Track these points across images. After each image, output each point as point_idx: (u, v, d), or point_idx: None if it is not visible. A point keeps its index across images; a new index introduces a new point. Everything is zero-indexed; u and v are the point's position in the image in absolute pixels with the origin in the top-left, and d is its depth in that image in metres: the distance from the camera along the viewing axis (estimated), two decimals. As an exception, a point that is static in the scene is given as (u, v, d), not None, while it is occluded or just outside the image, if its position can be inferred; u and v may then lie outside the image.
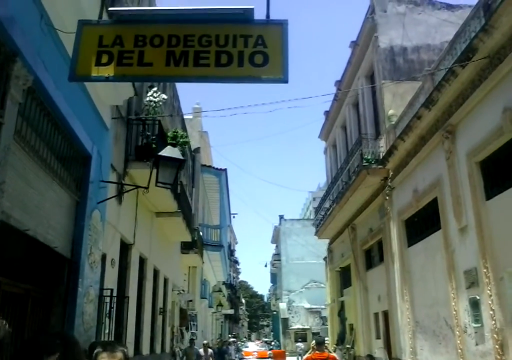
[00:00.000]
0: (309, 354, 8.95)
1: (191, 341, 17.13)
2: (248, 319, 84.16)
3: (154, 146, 10.26)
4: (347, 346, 18.86)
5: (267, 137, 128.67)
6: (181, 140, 13.91)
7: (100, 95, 7.02)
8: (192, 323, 21.75)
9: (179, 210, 13.84)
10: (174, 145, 7.50)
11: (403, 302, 12.46)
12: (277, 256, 49.79)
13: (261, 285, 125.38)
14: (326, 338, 27.55)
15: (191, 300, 21.94)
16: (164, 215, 13.78)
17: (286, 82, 4.53)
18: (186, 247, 19.41)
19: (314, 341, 10.75)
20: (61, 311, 6.04)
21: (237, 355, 27.18)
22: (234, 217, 47.58)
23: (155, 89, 10.93)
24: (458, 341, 9.44)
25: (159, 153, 7.43)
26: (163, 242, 15.31)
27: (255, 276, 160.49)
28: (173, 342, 17.69)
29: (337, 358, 9.02)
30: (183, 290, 18.94)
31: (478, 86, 8.63)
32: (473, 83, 8.84)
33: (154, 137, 10.65)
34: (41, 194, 5.35)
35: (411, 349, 11.96)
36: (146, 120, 10.89)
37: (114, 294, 9.32)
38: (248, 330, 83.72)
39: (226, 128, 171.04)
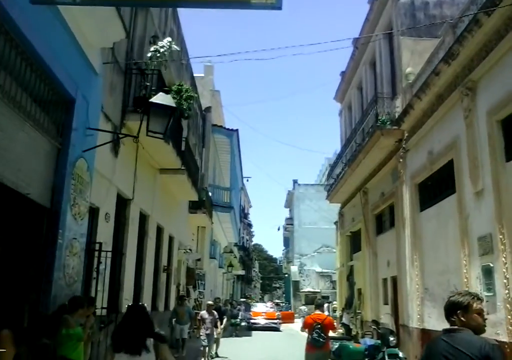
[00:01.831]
0: (310, 315, 9.04)
1: (181, 297, 14.97)
2: (261, 281, 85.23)
3: (154, 97, 9.73)
4: (355, 310, 18.63)
5: (283, 97, 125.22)
6: (186, 94, 13.30)
7: (87, 35, 6.45)
8: (200, 282, 21.71)
9: (183, 168, 13.41)
10: (167, 92, 6.93)
11: (413, 268, 11.99)
12: (289, 220, 49.62)
13: (275, 249, 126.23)
14: (334, 302, 27.67)
15: (199, 260, 21.83)
16: (168, 172, 13.38)
17: (280, 8, 3.98)
18: (194, 207, 19.13)
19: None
20: (39, 263, 5.69)
21: (246, 315, 27.25)
22: (247, 180, 47.43)
23: (169, 38, 10.28)
24: (467, 310, 8.97)
25: (150, 100, 6.88)
26: (168, 200, 14.96)
27: (269, 239, 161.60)
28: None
29: (333, 321, 9.09)
30: (190, 249, 18.74)
31: (504, 36, 7.83)
32: (498, 33, 8.03)
33: (154, 88, 10.09)
34: (9, 136, 4.89)
35: (418, 316, 11.57)
36: (146, 70, 10.31)
37: (109, 249, 9.03)
38: (260, 292, 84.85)
39: (240, 88, 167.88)
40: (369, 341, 11.08)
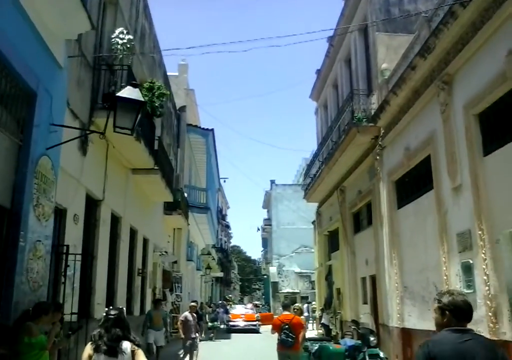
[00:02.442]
0: (278, 316, 9.43)
1: (157, 301, 13.44)
2: (240, 283, 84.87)
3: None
4: (335, 310, 18.49)
5: (259, 96, 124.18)
6: (158, 91, 12.97)
7: (49, 26, 6.10)
8: (176, 285, 21.33)
9: (156, 168, 13.06)
10: (135, 86, 6.59)
11: (392, 266, 11.87)
12: (268, 221, 49.46)
13: (254, 250, 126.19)
14: (313, 302, 27.53)
15: (175, 262, 21.46)
16: (140, 172, 13.01)
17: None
18: (169, 208, 18.75)
19: (293, 306, 10.54)
20: (-1, 267, 5.32)
21: (225, 317, 26.94)
22: (224, 181, 47.06)
23: (121, 29, 9.89)
24: (447, 307, 8.84)
25: (117, 94, 6.56)
26: (142, 201, 14.58)
27: (248, 241, 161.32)
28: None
29: (303, 321, 9.23)
30: (166, 252, 18.37)
31: (480, 28, 7.73)
32: (474, 26, 7.93)
33: (124, 84, 9.73)
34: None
35: (398, 315, 11.43)
36: (114, 65, 9.95)
37: (78, 252, 8.66)
38: (240, 294, 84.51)
39: (215, 87, 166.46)
40: (349, 341, 10.89)
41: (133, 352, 4.34)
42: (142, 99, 6.53)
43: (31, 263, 5.74)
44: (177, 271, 21.60)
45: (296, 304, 11.09)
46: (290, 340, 8.16)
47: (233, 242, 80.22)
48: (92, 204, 10.10)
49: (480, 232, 7.72)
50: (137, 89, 6.61)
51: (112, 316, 4.55)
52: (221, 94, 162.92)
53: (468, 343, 2.82)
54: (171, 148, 20.72)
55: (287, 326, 8.33)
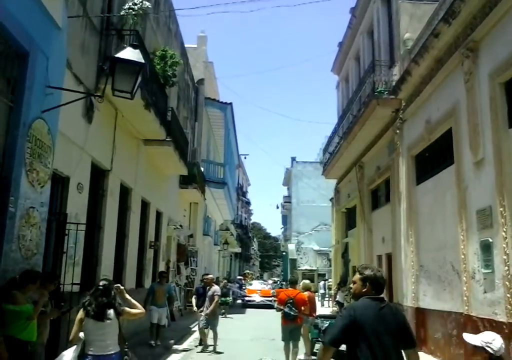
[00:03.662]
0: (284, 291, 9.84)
1: (160, 274, 12.06)
2: (260, 259, 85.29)
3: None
4: (350, 288, 18.18)
5: (278, 69, 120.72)
6: (171, 60, 12.61)
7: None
8: (192, 259, 21.25)
9: (169, 139, 12.75)
10: (135, 47, 6.21)
11: (408, 244, 11.45)
12: (287, 198, 49.10)
13: (274, 227, 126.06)
14: (330, 280, 27.32)
15: (191, 236, 21.34)
16: (152, 144, 12.73)
17: None
18: (185, 182, 18.53)
19: (301, 283, 10.52)
20: (-12, 234, 5.11)
21: (240, 292, 26.95)
22: (245, 158, 46.64)
23: None
24: (465, 288, 8.45)
25: (116, 55, 6.20)
26: (156, 174, 14.35)
27: (269, 218, 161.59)
28: (168, 277, 17.20)
29: (305, 297, 9.40)
30: (181, 226, 18.21)
31: (511, -11, 7.10)
32: (504, -14, 7.29)
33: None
34: None
35: (413, 294, 11.07)
36: (123, 30, 9.58)
37: (82, 221, 8.46)
38: (259, 270, 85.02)
39: (234, 59, 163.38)
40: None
41: (120, 313, 4.85)
42: (143, 61, 6.14)
43: (23, 230, 5.52)
44: (192, 245, 21.50)
45: (304, 281, 10.98)
46: (293, 313, 8.59)
47: (254, 219, 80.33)
48: (99, 174, 9.88)
49: (501, 209, 7.25)
50: (138, 50, 6.22)
51: (101, 287, 4.94)
52: (240, 67, 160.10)
53: (385, 309, 3.34)
54: (188, 121, 20.40)
55: (291, 301, 8.79)
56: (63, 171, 7.77)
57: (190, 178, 18.40)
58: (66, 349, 5.15)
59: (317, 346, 11.07)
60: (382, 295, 3.48)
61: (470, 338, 3.64)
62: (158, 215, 15.12)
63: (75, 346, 4.77)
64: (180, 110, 18.26)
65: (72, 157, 8.12)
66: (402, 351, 3.34)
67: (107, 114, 9.91)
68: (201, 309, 11.24)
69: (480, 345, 3.48)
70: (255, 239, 78.34)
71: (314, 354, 10.96)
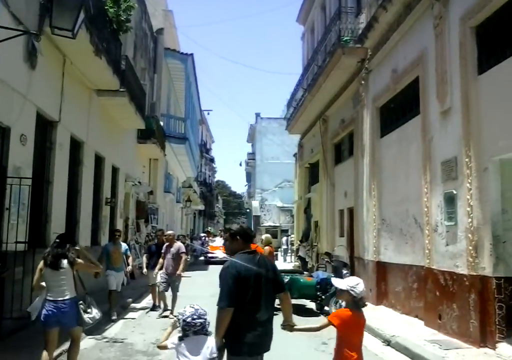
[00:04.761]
0: None
1: (114, 232, 10.33)
2: (224, 217, 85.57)
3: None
4: (312, 243, 18.20)
5: (242, 18, 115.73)
6: (125, 4, 11.73)
7: None
8: (152, 216, 20.79)
9: (123, 89, 11.98)
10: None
11: (370, 198, 11.27)
12: (251, 155, 48.65)
13: (239, 185, 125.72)
14: (292, 235, 27.48)
15: (151, 193, 20.78)
16: (106, 94, 11.92)
17: None
18: (144, 137, 17.78)
19: (263, 238, 10.33)
20: None
21: (203, 249, 26.85)
22: (208, 113, 45.72)
23: None
24: (427, 241, 8.32)
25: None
26: (111, 127, 13.58)
27: (234, 176, 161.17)
28: (127, 234, 16.77)
29: (262, 251, 9.29)
30: (139, 182, 17.61)
31: None
32: None
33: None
34: None
35: (374, 248, 10.97)
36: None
37: (27, 175, 7.81)
38: (224, 227, 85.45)
39: (195, 8, 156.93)
40: (321, 274, 10.50)
41: (72, 263, 5.33)
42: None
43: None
44: (153, 203, 20.98)
45: (264, 235, 10.80)
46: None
47: (219, 177, 79.99)
48: (45, 125, 9.16)
49: (467, 160, 7.01)
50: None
51: (57, 240, 5.51)
52: (201, 16, 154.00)
53: (260, 260, 3.67)
54: (146, 72, 19.44)
55: None
56: (2, 120, 7.07)
57: (149, 133, 17.66)
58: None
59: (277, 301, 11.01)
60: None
61: (337, 282, 4.03)
62: (115, 170, 14.46)
63: (44, 292, 5.41)
64: (137, 60, 17.30)
65: (12, 105, 7.39)
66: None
67: (53, 60, 9.09)
68: (157, 268, 9.90)
69: (345, 288, 3.86)
70: (219, 197, 78.22)
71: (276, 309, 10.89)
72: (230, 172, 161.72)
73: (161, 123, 20.45)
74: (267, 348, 3.64)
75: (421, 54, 8.69)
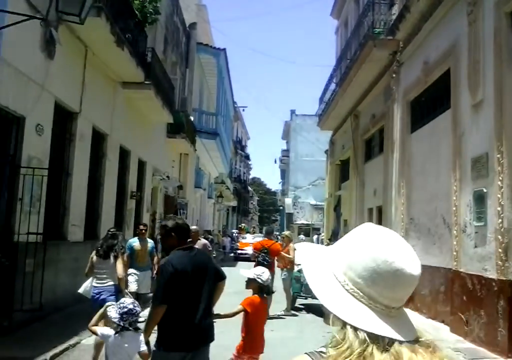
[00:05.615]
0: (260, 241, 10.09)
1: (139, 226, 9.05)
2: (259, 214, 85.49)
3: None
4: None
5: (277, 11, 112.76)
6: (152, -5, 11.60)
7: None
8: (181, 211, 20.73)
9: (148, 82, 11.87)
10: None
11: (399, 196, 10.78)
12: (286, 152, 48.31)
13: (274, 183, 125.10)
14: (323, 233, 27.03)
15: (181, 188, 20.72)
16: (131, 87, 11.83)
17: None
18: (173, 131, 17.71)
19: (285, 235, 10.16)
20: None
21: (229, 246, 26.75)
22: (243, 110, 45.48)
23: None
24: (455, 242, 7.82)
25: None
26: (138, 120, 13.51)
27: (269, 173, 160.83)
28: (154, 229, 16.71)
29: (279, 248, 9.70)
30: (168, 177, 17.54)
31: None
32: None
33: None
34: None
35: (402, 249, 10.46)
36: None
37: (44, 166, 7.75)
38: (258, 224, 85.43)
39: (227, 1, 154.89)
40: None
41: (116, 257, 5.91)
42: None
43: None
44: (182, 197, 20.92)
45: (284, 232, 10.69)
46: (266, 263, 8.47)
47: (255, 174, 79.90)
48: (65, 116, 9.10)
49: (498, 156, 6.51)
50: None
51: (110, 233, 6.21)
52: (236, 10, 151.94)
53: (198, 256, 3.64)
54: (178, 67, 19.38)
55: (266, 250, 8.93)
56: (16, 109, 7.00)
57: (178, 128, 17.58)
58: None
59: (299, 301, 10.65)
60: (192, 245, 3.89)
61: (245, 272, 4.49)
62: (141, 164, 14.40)
63: (91, 278, 6.07)
64: (168, 54, 17.22)
65: (28, 95, 7.31)
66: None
67: (74, 50, 9.01)
68: None
69: (252, 277, 4.31)
70: (255, 194, 78.12)
71: (297, 309, 10.57)
72: (266, 170, 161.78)
73: (192, 118, 20.35)
74: (208, 341, 3.64)
75: (454, 44, 8.17)
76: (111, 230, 6.34)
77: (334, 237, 18.77)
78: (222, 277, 3.86)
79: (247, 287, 4.59)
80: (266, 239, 9.66)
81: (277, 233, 46.47)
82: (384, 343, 0.97)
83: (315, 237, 29.83)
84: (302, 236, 35.85)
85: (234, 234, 30.56)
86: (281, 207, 53.15)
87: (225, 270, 13.87)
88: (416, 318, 9.02)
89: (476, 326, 6.83)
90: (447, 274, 8.14)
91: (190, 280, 3.46)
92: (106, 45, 9.35)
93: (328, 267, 1.08)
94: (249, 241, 27.67)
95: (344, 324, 0.99)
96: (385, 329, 0.99)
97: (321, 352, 1.03)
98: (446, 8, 8.58)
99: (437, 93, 9.25)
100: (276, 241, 10.13)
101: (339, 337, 0.99)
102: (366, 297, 1.02)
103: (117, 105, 11.56)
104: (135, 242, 8.69)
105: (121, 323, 3.52)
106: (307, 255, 1.13)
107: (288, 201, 43.80)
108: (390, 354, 0.96)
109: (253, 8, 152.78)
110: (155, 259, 8.97)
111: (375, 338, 0.97)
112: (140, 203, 14.51)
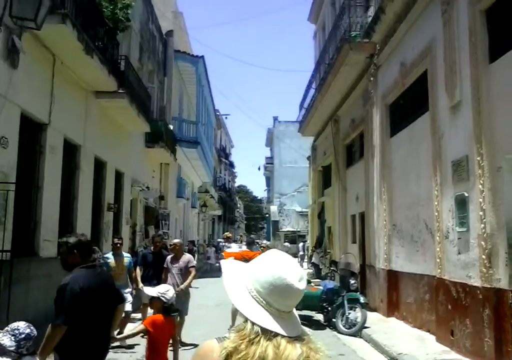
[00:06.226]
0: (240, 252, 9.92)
1: (115, 240, 8.75)
2: (245, 222, 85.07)
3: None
4: (325, 249, 17.50)
5: (253, 17, 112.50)
6: (122, 2, 11.33)
7: None
8: (163, 222, 20.31)
9: (122, 91, 11.56)
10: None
11: (381, 202, 10.57)
12: (270, 159, 48.12)
13: (260, 190, 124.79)
14: (308, 241, 26.79)
15: (162, 199, 20.35)
16: (104, 96, 11.50)
17: None
18: (152, 141, 17.37)
19: (267, 244, 9.94)
20: None
21: (217, 256, 26.30)
22: (226, 118, 45.29)
23: None
24: (438, 249, 7.59)
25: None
26: (113, 131, 13.15)
27: (256, 181, 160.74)
28: (135, 241, 16.33)
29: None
30: (148, 187, 17.18)
31: None
32: None
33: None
34: None
35: (385, 256, 10.25)
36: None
37: (11, 180, 7.41)
38: (245, 232, 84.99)
39: (203, 9, 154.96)
40: (329, 284, 9.84)
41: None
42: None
43: None
44: (164, 208, 20.52)
45: (265, 242, 10.34)
46: None
47: (240, 182, 79.59)
48: (33, 128, 8.73)
49: (479, 158, 6.31)
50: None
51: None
52: (211, 17, 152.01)
53: (101, 274, 3.63)
54: (155, 75, 19.07)
55: (246, 262, 8.21)
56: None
57: (157, 137, 17.24)
58: None
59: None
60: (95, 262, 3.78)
61: (148, 290, 4.34)
62: (119, 175, 14.03)
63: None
64: (144, 62, 16.92)
65: (-14, 105, 6.99)
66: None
67: (40, 59, 8.67)
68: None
69: (156, 295, 4.14)
70: (240, 202, 77.76)
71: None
72: (252, 177, 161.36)
73: (171, 127, 20.03)
74: None
75: (430, 45, 8.00)
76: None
77: (319, 244, 18.54)
78: (122, 300, 3.84)
79: (150, 306, 4.45)
80: (247, 250, 9.55)
81: (264, 241, 46.32)
82: (270, 335, 1.36)
83: (300, 244, 29.54)
84: (287, 243, 35.67)
85: (220, 244, 30.10)
86: (267, 215, 52.83)
87: (209, 281, 13.70)
88: (401, 328, 8.79)
89: (462, 336, 6.58)
90: (431, 281, 7.90)
91: (93, 300, 3.35)
92: (74, 53, 9.02)
93: (242, 278, 1.49)
94: (234, 251, 27.41)
95: (246, 319, 1.40)
96: (273, 326, 1.38)
97: (225, 337, 1.42)
98: (421, 8, 8.42)
99: (415, 95, 9.07)
100: (259, 251, 9.74)
101: (241, 327, 1.40)
102: (264, 302, 1.42)
103: (90, 115, 11.21)
104: (109, 258, 8.23)
105: (19, 351, 3.17)
106: (228, 269, 1.56)
107: (273, 208, 43.56)
108: (272, 343, 1.35)
109: (230, 15, 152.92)
110: (134, 274, 8.53)
111: (265, 331, 1.36)
112: (118, 215, 14.12)
